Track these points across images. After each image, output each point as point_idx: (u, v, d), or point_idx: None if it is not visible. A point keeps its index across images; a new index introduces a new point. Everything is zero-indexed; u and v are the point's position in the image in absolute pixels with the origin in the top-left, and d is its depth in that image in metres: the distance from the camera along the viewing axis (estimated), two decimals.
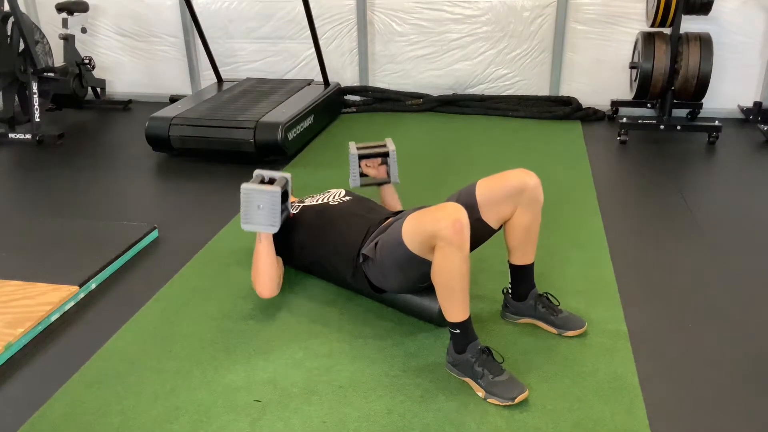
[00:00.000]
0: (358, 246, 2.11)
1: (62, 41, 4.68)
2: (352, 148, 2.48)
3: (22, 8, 4.53)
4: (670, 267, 2.48)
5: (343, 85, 4.76)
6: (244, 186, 2.14)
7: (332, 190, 2.49)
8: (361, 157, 2.48)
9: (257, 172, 2.25)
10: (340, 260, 2.19)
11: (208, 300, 2.30)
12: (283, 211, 2.24)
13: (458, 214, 1.72)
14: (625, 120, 3.97)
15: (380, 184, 2.57)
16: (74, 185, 3.45)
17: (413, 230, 1.85)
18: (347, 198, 2.39)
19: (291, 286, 2.37)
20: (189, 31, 4.91)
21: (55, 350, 2.05)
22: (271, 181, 2.22)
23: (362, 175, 2.51)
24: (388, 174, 2.53)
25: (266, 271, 2.19)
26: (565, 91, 4.61)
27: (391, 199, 2.60)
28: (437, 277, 1.78)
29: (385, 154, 2.50)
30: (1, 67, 4.02)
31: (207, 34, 4.61)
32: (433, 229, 1.74)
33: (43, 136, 4.11)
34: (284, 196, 2.26)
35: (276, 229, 2.16)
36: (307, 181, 3.24)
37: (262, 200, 2.12)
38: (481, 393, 1.78)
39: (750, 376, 1.87)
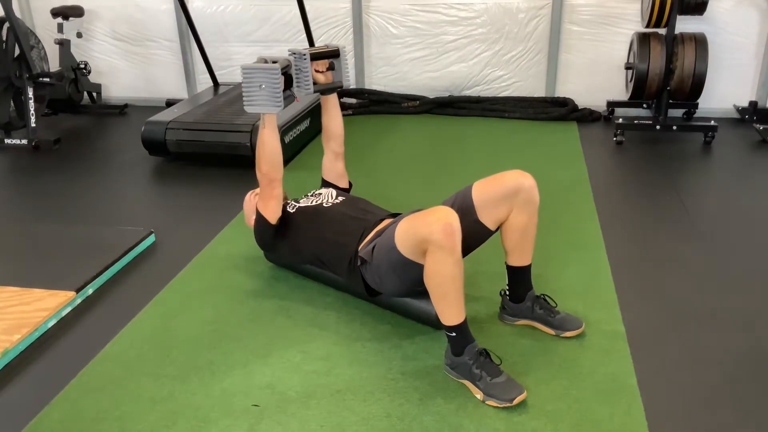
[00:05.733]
0: (354, 247, 2.11)
1: (58, 46, 4.68)
2: (301, 50, 2.22)
3: (17, 13, 4.53)
4: (667, 267, 2.49)
5: None
6: (244, 65, 2.10)
7: (323, 190, 2.48)
8: (312, 59, 2.24)
9: (260, 56, 2.20)
10: (335, 261, 2.18)
11: (205, 304, 2.29)
12: (288, 96, 2.19)
13: (449, 218, 1.72)
14: (621, 120, 3.97)
15: (332, 90, 2.38)
16: (70, 190, 3.44)
17: (405, 235, 1.85)
18: (340, 199, 2.39)
19: (288, 289, 2.37)
20: (185, 35, 4.90)
21: (52, 356, 2.04)
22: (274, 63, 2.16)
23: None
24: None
25: (272, 155, 2.18)
26: (560, 92, 4.61)
27: (334, 108, 2.48)
28: (430, 281, 1.78)
29: (336, 54, 2.32)
30: None
31: (203, 37, 4.60)
32: (424, 233, 1.74)
33: (39, 141, 4.10)
34: (289, 81, 2.22)
35: (279, 109, 2.13)
36: (304, 184, 3.23)
37: (262, 78, 2.09)
38: (479, 395, 1.78)
39: (748, 377, 1.87)
